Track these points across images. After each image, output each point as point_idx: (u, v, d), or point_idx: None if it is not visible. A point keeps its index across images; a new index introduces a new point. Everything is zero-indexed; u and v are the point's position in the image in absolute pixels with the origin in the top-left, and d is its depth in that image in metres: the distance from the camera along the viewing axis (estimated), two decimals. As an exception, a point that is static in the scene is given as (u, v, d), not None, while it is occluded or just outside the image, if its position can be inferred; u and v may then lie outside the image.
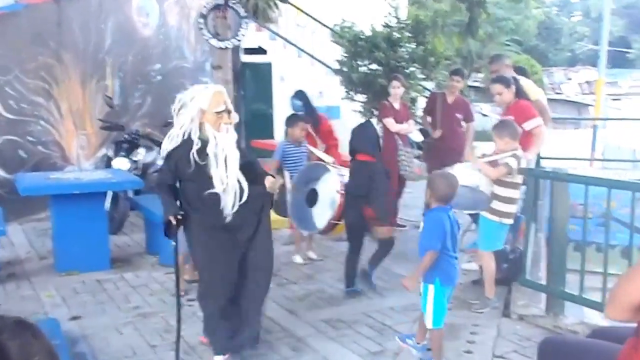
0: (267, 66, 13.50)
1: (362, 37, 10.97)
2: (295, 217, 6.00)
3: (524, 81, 6.30)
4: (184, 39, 11.78)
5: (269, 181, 4.05)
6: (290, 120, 6.55)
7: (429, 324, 4.05)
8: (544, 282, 5.00)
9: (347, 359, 4.25)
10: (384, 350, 4.35)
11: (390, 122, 7.51)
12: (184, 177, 3.94)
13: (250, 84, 13.44)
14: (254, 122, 12.97)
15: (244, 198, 3.92)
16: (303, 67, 13.19)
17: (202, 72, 12.08)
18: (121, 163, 7.90)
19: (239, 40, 7.96)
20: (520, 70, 7.56)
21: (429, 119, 7.95)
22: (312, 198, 5.79)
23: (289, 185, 5.90)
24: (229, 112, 3.96)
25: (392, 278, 5.78)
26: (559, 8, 36.96)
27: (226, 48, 7.70)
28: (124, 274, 6.03)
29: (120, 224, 7.65)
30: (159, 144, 6.75)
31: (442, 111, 7.76)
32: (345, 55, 11.48)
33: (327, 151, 6.87)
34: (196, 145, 3.85)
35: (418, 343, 4.26)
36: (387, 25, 10.63)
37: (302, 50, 13.32)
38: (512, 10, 22.36)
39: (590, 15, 34.06)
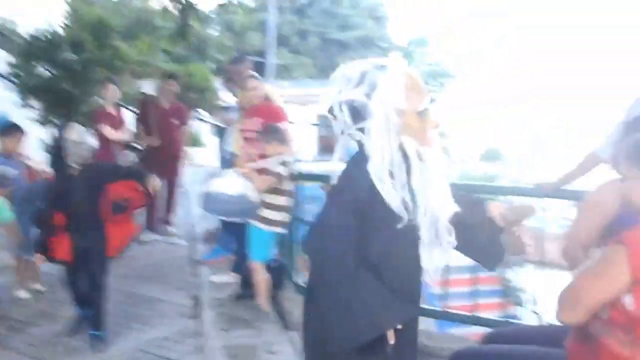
0: None
1: (41, 37, 9.75)
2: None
3: (267, 86, 6.15)
4: None
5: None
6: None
7: None
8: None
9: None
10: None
11: (107, 129, 6.71)
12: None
13: None
14: None
15: None
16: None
17: None
18: None
19: None
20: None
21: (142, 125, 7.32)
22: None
23: None
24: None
25: (151, 304, 5.12)
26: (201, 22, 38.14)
27: None
28: None
29: None
30: None
31: (158, 117, 7.22)
32: (17, 57, 10.09)
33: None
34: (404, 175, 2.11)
35: None
36: (68, 26, 9.63)
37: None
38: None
39: (234, 29, 35.88)
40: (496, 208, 2.32)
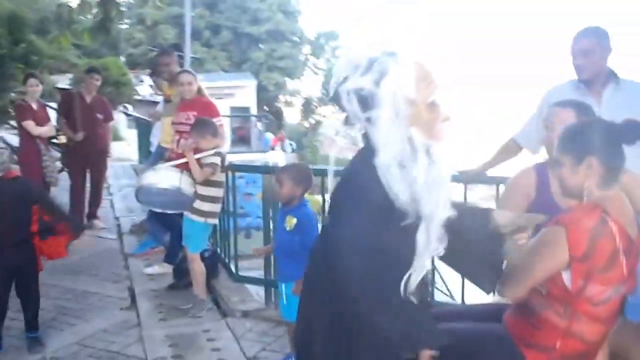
0: None
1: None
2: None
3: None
4: None
5: None
6: None
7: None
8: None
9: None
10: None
11: (30, 125, 6.63)
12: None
13: None
14: None
15: None
16: None
17: None
18: None
19: None
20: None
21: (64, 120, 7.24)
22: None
23: None
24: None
25: (86, 298, 5.14)
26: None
27: None
28: None
29: None
30: None
31: (81, 111, 7.16)
32: None
33: None
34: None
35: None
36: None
37: None
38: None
39: (146, 23, 35.27)
40: (503, 216, 2.24)
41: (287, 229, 3.65)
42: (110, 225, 7.66)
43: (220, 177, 4.89)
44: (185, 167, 4.70)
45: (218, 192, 4.87)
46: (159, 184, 4.60)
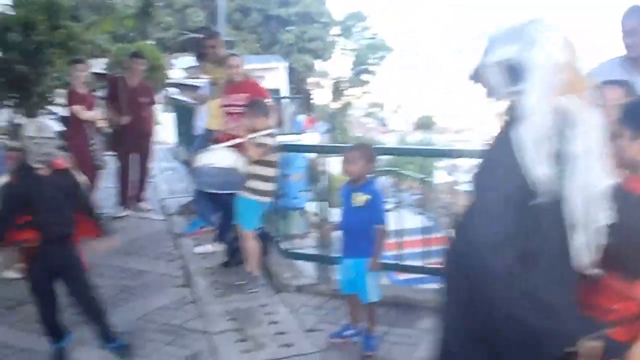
0: None
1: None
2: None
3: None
4: None
5: None
6: None
7: (372, 297, 3.81)
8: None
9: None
10: (196, 353, 3.93)
11: (79, 109, 6.77)
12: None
13: None
14: None
15: None
16: None
17: None
18: None
19: None
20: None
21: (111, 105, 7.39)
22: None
23: None
24: None
25: (143, 277, 5.31)
26: None
27: None
28: None
29: None
30: None
31: (127, 96, 7.30)
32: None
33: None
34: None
35: (356, 328, 3.97)
36: (17, 7, 9.53)
37: None
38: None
39: (174, 6, 35.45)
40: None
41: (357, 205, 3.76)
42: (155, 207, 7.81)
43: (273, 157, 4.98)
44: (238, 148, 4.81)
45: (271, 172, 4.97)
46: (215, 164, 4.72)
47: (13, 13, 9.71)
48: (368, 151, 3.89)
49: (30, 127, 3.76)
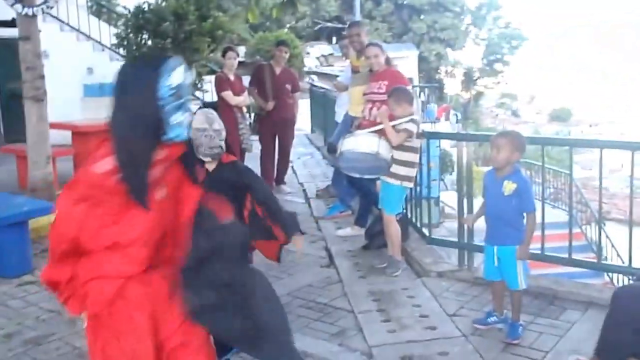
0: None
1: (146, 9, 10.35)
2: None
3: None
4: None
5: None
6: None
7: (521, 284, 3.85)
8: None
9: (316, 347, 3.85)
10: (343, 330, 4.08)
11: (229, 95, 7.14)
12: None
13: (6, 61, 11.63)
14: (12, 106, 11.31)
15: None
16: (68, 42, 11.85)
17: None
18: None
19: (50, 7, 6.79)
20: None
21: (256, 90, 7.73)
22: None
23: None
24: None
25: (286, 255, 5.51)
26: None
27: (34, 15, 6.51)
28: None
29: None
30: None
31: (272, 82, 7.60)
32: (125, 29, 10.70)
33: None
34: None
35: (501, 315, 4.02)
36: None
37: (66, 23, 11.95)
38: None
39: (309, -4, 36.15)
40: None
41: (505, 194, 3.75)
42: (295, 190, 8.08)
43: (415, 142, 5.03)
44: (381, 134, 4.90)
45: (414, 157, 5.03)
46: (359, 149, 4.83)
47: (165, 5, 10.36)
48: (517, 139, 3.86)
49: (199, 117, 3.41)
